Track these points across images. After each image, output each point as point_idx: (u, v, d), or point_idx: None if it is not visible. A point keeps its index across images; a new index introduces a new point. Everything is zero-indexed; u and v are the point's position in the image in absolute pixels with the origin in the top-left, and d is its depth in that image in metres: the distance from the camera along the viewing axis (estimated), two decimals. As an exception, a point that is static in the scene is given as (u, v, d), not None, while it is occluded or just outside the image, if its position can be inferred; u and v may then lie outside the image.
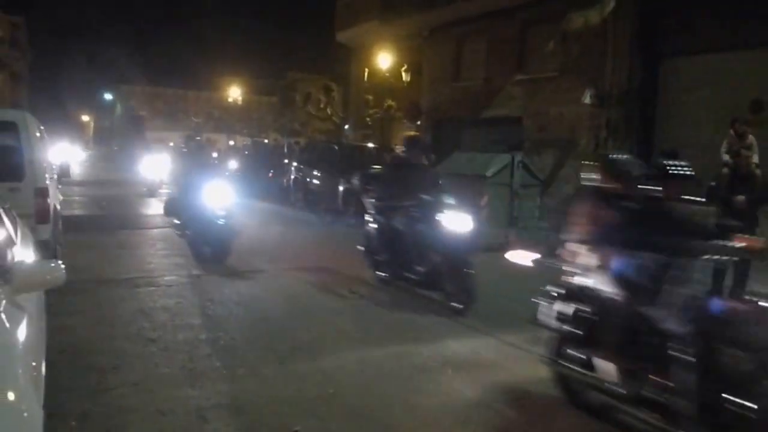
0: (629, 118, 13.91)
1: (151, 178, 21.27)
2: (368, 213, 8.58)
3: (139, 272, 8.78)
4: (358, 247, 8.73)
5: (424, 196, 7.43)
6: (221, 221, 9.33)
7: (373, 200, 8.43)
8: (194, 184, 9.59)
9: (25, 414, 2.11)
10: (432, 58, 20.26)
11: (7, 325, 2.54)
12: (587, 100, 14.23)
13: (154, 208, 17.66)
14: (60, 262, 2.96)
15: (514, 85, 16.82)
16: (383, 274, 8.29)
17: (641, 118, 13.77)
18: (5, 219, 3.99)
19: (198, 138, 15.16)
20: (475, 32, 18.39)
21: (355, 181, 9.44)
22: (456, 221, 7.08)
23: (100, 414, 4.19)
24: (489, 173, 11.75)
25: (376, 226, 8.34)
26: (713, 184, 8.15)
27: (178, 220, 10.27)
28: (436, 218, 7.11)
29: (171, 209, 10.65)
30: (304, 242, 12.65)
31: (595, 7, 14.38)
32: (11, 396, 2.13)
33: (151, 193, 20.44)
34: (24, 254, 3.96)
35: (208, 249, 9.51)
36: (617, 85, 14.07)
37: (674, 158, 4.81)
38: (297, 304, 7.41)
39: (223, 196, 9.48)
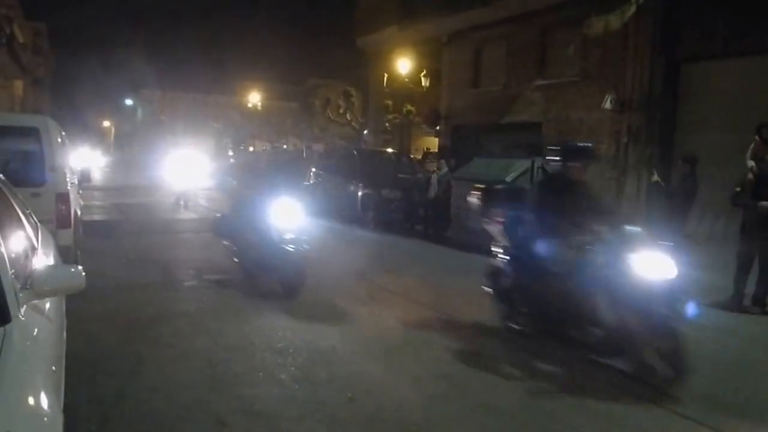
0: (650, 123, 13.76)
1: (180, 187, 20.16)
2: (500, 245, 6.62)
3: (159, 277, 8.82)
4: (484, 288, 6.83)
5: (600, 227, 5.43)
6: (290, 247, 7.66)
7: (509, 229, 6.42)
8: (254, 200, 8.08)
9: (45, 419, 2.11)
10: (451, 63, 20.23)
11: (28, 330, 2.55)
12: (608, 105, 14.11)
13: (174, 212, 17.79)
14: (80, 267, 2.98)
15: (533, 90, 16.73)
16: (521, 327, 6.30)
17: (662, 124, 13.61)
18: (27, 224, 4.02)
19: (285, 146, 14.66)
20: (495, 37, 18.32)
21: (474, 199, 7.22)
22: (654, 264, 5.06)
23: (120, 419, 4.20)
24: (509, 178, 11.65)
25: (515, 264, 6.33)
26: (738, 189, 8.03)
27: (233, 243, 8.75)
28: (624, 260, 5.10)
29: (222, 229, 9.14)
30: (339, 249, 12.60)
31: (615, 11, 14.25)
32: (31, 401, 2.14)
33: (185, 203, 19.57)
34: (45, 259, 3.99)
35: (275, 276, 7.88)
36: (638, 90, 13.93)
37: (694, 163, 4.83)
38: (332, 316, 7.39)
39: (290, 215, 7.80)
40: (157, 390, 4.69)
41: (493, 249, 6.71)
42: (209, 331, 6.26)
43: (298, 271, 7.64)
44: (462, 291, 8.79)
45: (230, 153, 34.66)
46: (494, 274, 6.63)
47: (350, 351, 5.85)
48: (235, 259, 8.66)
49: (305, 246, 7.74)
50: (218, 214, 10.63)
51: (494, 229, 6.66)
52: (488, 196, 7.08)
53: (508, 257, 6.42)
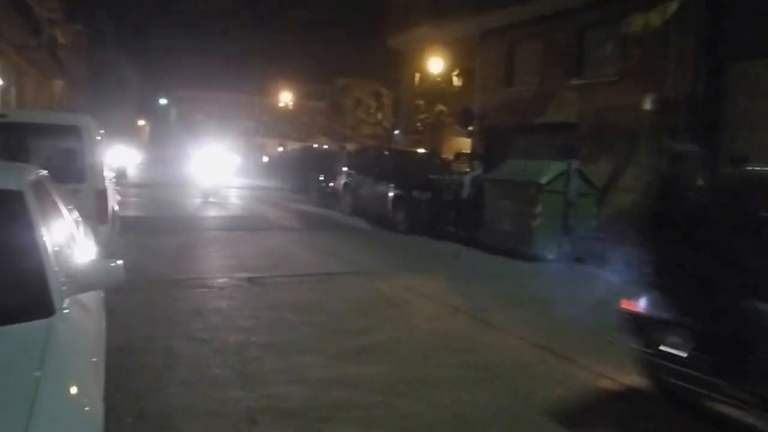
0: (692, 124, 13.41)
1: (211, 185, 20.68)
2: (660, 289, 4.75)
3: (191, 273, 8.91)
4: (608, 339, 5.93)
5: None
6: None
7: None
8: None
9: (87, 408, 2.14)
10: (484, 62, 20.05)
11: (71, 322, 2.59)
12: (648, 105, 13.76)
13: (207, 210, 17.96)
14: (121, 262, 3.02)
15: (569, 90, 16.46)
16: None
17: (705, 124, 13.27)
18: (69, 220, 4.08)
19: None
20: (529, 36, 18.09)
21: (643, 228, 5.22)
22: None
23: (155, 412, 4.23)
24: (544, 181, 11.45)
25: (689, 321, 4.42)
26: None
27: None
28: None
29: None
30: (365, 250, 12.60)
31: (656, 8, 13.94)
32: (73, 390, 2.18)
33: (205, 197, 20.29)
34: (86, 254, 4.05)
35: None
36: (680, 89, 13.59)
37: (745, 164, 4.54)
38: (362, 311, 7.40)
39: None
40: (190, 385, 4.73)
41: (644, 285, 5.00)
42: (242, 328, 6.29)
43: None
44: (493, 294, 8.74)
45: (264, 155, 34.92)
46: (645, 328, 4.83)
47: (381, 353, 5.83)
48: None
49: None
50: None
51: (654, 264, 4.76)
52: (661, 221, 4.73)
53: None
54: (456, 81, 21.08)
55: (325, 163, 23.14)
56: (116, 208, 9.24)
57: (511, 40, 18.90)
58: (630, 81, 14.52)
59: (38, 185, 3.41)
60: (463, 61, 21.16)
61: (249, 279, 8.64)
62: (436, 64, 21.52)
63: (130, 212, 15.61)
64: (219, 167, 20.15)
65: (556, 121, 16.61)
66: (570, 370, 5.61)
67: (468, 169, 14.77)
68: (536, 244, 11.45)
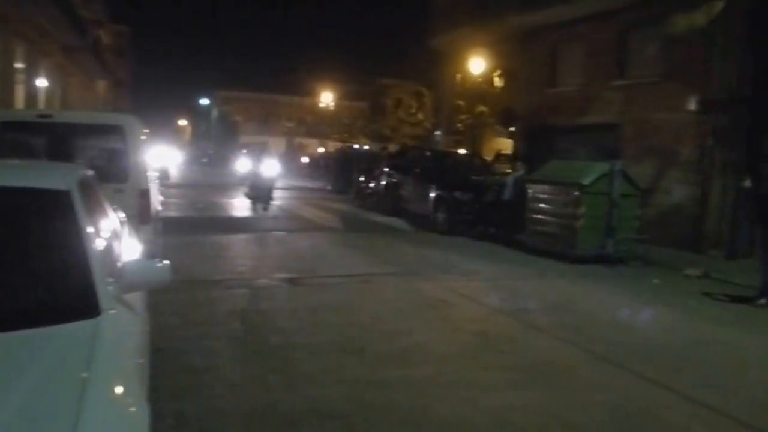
0: (738, 125, 13.06)
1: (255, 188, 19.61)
2: None
3: (232, 274, 8.96)
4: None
5: None
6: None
7: None
8: None
9: (132, 409, 2.14)
10: (526, 62, 19.81)
11: (117, 322, 2.60)
12: (692, 106, 13.46)
13: (246, 210, 18.10)
14: (167, 262, 3.02)
15: (612, 90, 16.17)
16: None
17: (751, 125, 12.90)
18: (114, 220, 4.11)
19: None
20: (572, 36, 17.81)
21: None
22: None
23: (196, 414, 4.23)
24: (586, 182, 11.25)
25: None
26: None
27: None
28: None
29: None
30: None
31: (701, 8, 13.62)
32: (120, 391, 2.19)
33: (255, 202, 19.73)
34: (131, 254, 4.06)
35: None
36: (725, 90, 13.25)
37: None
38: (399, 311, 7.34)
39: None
40: (231, 386, 4.72)
41: None
42: (282, 329, 6.29)
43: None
44: (537, 296, 8.60)
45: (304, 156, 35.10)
46: None
47: (423, 354, 5.76)
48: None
49: None
50: None
51: None
52: None
53: None
54: (497, 81, 20.84)
55: (366, 164, 23.18)
56: (159, 208, 9.32)
57: (554, 41, 18.64)
58: (674, 81, 14.19)
59: (85, 185, 3.41)
60: (504, 61, 20.94)
61: (289, 280, 8.66)
62: (477, 65, 21.34)
63: (172, 212, 15.82)
64: (267, 170, 18.54)
65: (599, 122, 16.33)
66: (618, 376, 5.46)
67: (509, 170, 14.58)
68: (579, 245, 11.27)
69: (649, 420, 4.59)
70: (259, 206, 17.64)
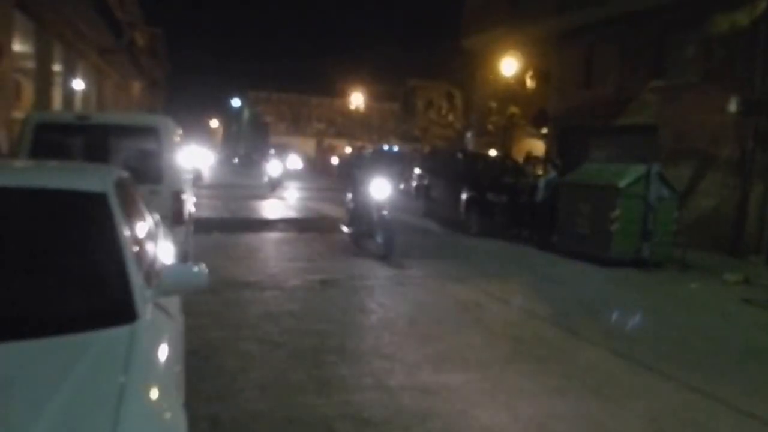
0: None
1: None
2: None
3: (264, 275, 8.93)
4: None
5: None
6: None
7: None
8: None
9: (169, 414, 2.13)
10: (561, 63, 19.57)
11: (154, 327, 2.58)
12: (733, 107, 13.11)
13: (278, 211, 18.16)
14: (204, 266, 2.96)
15: (649, 92, 15.88)
16: None
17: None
18: (150, 222, 4.08)
19: None
20: (608, 37, 17.52)
21: None
22: None
23: (230, 417, 4.18)
24: (622, 184, 11.03)
25: None
26: None
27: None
28: None
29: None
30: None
31: (743, 7, 13.29)
32: (157, 396, 2.18)
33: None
34: (166, 257, 4.04)
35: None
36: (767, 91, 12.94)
37: None
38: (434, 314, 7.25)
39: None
40: (265, 390, 4.67)
41: None
42: (315, 331, 6.23)
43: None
44: (571, 300, 8.45)
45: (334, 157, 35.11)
46: None
47: (459, 359, 5.66)
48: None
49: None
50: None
51: None
52: None
53: None
54: (529, 83, 20.61)
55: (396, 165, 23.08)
56: (192, 209, 9.36)
57: (589, 41, 18.37)
58: (714, 82, 13.87)
59: (121, 186, 3.38)
60: (537, 62, 20.71)
61: (321, 281, 8.62)
62: (509, 66, 21.12)
63: (204, 214, 15.91)
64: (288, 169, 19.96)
65: (635, 124, 16.05)
66: (661, 383, 5.31)
67: (540, 173, 14.39)
68: (614, 248, 11.06)
69: (697, 431, 4.45)
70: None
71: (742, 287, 10.03)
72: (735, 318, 8.13)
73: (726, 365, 6.03)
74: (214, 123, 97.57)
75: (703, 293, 9.56)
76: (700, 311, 8.32)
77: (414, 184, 18.51)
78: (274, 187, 24.99)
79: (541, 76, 20.42)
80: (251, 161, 50.19)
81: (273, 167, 26.32)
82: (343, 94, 52.61)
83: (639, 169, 11.31)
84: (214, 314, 6.58)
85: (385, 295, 8.06)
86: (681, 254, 11.29)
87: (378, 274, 9.49)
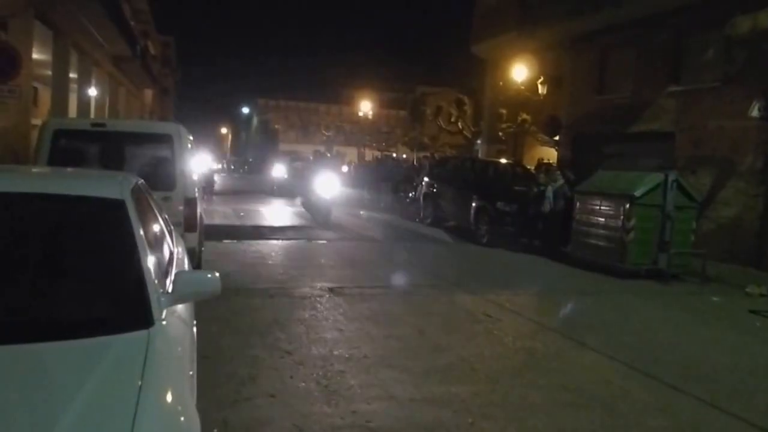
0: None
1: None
2: None
3: (273, 282, 8.90)
4: None
5: None
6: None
7: None
8: None
9: (183, 419, 2.17)
10: (574, 69, 19.35)
11: (169, 333, 2.63)
12: (755, 113, 12.77)
13: (288, 219, 18.10)
14: (217, 273, 2.98)
15: (666, 97, 15.58)
16: None
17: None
18: (165, 229, 4.07)
19: None
20: (623, 41, 17.29)
21: None
22: None
23: (239, 424, 4.17)
24: (638, 193, 10.82)
25: None
26: None
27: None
28: None
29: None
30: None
31: (765, 7, 12.98)
32: (172, 401, 2.23)
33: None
34: (180, 263, 4.08)
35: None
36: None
37: None
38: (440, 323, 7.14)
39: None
40: (274, 397, 4.64)
41: None
42: (324, 340, 6.18)
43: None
44: (584, 312, 8.33)
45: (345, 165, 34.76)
46: None
47: (468, 370, 5.59)
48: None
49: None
50: None
51: None
52: None
53: None
54: (541, 89, 20.41)
55: (405, 173, 23.05)
56: (203, 216, 9.35)
57: (603, 46, 18.16)
58: (734, 87, 13.55)
59: (138, 194, 3.44)
60: (549, 68, 20.52)
61: (330, 289, 8.56)
62: (520, 72, 20.97)
63: (215, 220, 15.89)
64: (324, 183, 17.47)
65: (651, 130, 15.80)
66: (675, 399, 5.18)
67: (543, 183, 14.13)
68: (629, 259, 10.86)
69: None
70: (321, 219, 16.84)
71: (766, 300, 9.72)
72: (758, 332, 7.93)
73: (746, 381, 5.86)
74: (224, 130, 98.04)
75: (725, 306, 9.33)
76: (721, 325, 8.14)
77: (423, 192, 18.32)
78: (326, 217, 16.91)
79: (553, 82, 20.20)
80: (260, 168, 50.24)
81: (323, 184, 17.36)
82: (352, 102, 52.60)
83: (656, 178, 11.03)
84: (224, 320, 6.56)
85: (394, 304, 7.98)
86: (700, 266, 10.90)
87: (386, 281, 9.48)
